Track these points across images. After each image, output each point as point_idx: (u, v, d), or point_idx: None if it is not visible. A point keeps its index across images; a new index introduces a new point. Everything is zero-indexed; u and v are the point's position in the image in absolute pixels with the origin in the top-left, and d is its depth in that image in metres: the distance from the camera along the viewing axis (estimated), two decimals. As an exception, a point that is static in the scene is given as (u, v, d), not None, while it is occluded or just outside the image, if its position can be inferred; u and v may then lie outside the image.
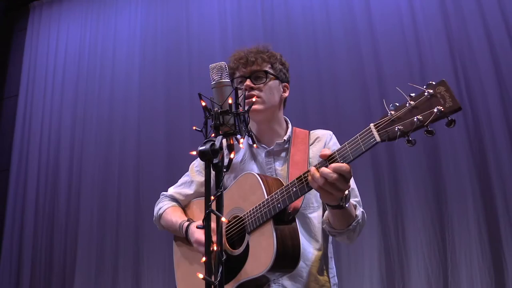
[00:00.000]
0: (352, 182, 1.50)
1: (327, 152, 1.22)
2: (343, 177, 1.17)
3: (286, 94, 1.68)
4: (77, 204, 3.94)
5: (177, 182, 1.80)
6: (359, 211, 1.40)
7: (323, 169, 1.18)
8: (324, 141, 1.62)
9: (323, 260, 1.53)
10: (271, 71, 1.61)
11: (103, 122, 4.09)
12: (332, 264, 1.57)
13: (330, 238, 1.58)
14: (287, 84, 1.69)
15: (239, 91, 1.58)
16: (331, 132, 1.66)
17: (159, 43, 4.06)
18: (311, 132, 1.66)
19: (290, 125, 1.68)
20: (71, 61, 4.44)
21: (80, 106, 4.23)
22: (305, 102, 3.26)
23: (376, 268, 2.82)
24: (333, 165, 1.17)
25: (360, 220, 1.40)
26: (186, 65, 3.87)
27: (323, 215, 1.55)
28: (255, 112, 1.57)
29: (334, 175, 1.16)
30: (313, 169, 1.22)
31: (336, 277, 1.57)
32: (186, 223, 1.60)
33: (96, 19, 4.46)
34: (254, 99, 1.53)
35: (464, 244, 2.67)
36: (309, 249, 1.51)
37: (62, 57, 4.50)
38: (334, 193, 1.20)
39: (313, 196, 1.55)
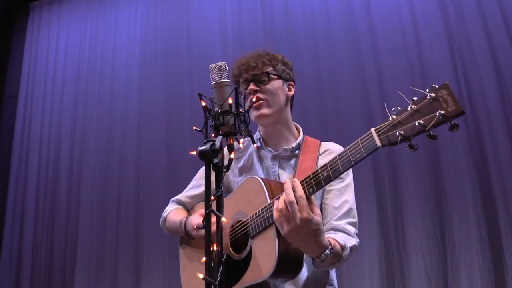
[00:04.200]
0: (351, 201, 1.49)
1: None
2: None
3: (292, 93, 1.66)
4: (77, 204, 3.93)
5: (178, 184, 1.82)
6: (346, 251, 1.33)
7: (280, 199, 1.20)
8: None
9: None
10: (273, 72, 1.60)
11: (103, 122, 4.08)
12: None
13: None
14: (291, 83, 1.67)
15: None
16: (343, 148, 1.64)
17: (159, 43, 4.06)
18: (322, 142, 1.63)
19: (301, 133, 1.67)
20: (71, 61, 4.43)
21: (80, 106, 4.23)
22: (305, 103, 3.25)
23: (376, 268, 2.81)
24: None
25: (346, 258, 1.34)
26: (186, 65, 3.87)
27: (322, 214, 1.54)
28: (263, 117, 1.56)
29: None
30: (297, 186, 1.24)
31: (335, 280, 1.55)
32: (185, 219, 1.59)
33: (96, 19, 4.45)
34: (260, 104, 1.55)
35: (464, 244, 2.67)
36: None
37: (62, 57, 4.49)
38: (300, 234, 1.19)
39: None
